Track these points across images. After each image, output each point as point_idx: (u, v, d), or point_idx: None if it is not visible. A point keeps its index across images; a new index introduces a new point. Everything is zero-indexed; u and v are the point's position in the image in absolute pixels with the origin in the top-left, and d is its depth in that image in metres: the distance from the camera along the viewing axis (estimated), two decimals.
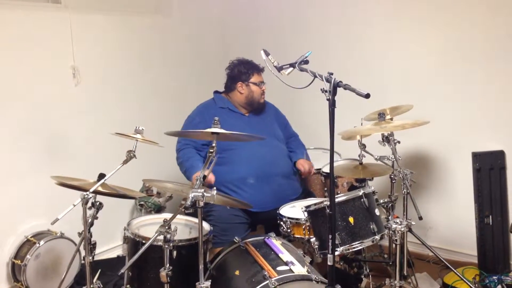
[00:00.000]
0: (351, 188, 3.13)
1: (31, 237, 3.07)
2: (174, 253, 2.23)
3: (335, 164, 2.03)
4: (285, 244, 2.48)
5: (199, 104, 3.22)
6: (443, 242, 3.52)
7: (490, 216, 3.18)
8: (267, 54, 2.27)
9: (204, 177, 2.15)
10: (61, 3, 3.31)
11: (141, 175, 3.25)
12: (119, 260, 3.48)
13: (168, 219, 2.20)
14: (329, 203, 2.08)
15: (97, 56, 3.48)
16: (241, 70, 3.12)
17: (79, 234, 2.38)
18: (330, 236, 2.00)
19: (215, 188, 2.19)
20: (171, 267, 2.19)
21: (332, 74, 1.97)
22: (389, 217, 2.74)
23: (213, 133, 2.20)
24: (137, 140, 2.42)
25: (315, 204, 2.49)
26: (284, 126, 3.37)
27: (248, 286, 2.15)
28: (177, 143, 3.11)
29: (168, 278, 2.17)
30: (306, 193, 3.18)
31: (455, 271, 2.90)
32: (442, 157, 3.52)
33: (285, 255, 2.29)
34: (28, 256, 2.94)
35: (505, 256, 3.21)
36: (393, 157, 2.76)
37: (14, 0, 3.14)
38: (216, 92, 3.26)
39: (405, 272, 2.72)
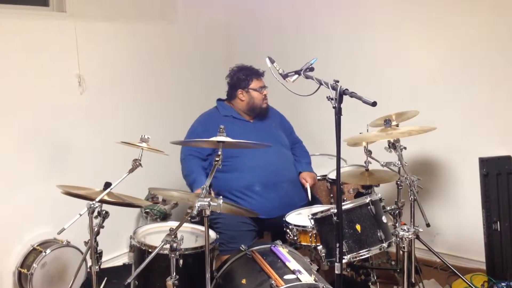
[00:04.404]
0: (358, 195, 3.12)
1: (37, 245, 3.06)
2: (181, 261, 2.22)
3: (341, 170, 2.01)
4: (292, 252, 2.46)
5: (202, 113, 3.21)
6: (451, 248, 3.51)
7: (498, 222, 3.15)
8: (272, 61, 2.27)
9: (210, 185, 2.15)
10: (66, 11, 3.31)
11: (147, 183, 3.27)
12: (125, 268, 3.47)
13: (174, 227, 2.19)
14: (336, 210, 2.06)
15: (102, 64, 3.49)
16: (240, 77, 3.11)
17: (85, 243, 2.38)
18: (337, 245, 1.98)
19: (221, 197, 2.19)
20: (177, 276, 2.18)
21: (338, 81, 1.96)
22: (396, 224, 2.72)
23: (219, 141, 2.19)
24: (142, 149, 2.42)
25: (321, 212, 2.48)
26: (290, 132, 3.36)
27: None
28: (181, 153, 3.10)
29: (175, 287, 2.16)
30: (312, 199, 3.17)
31: (463, 277, 2.88)
32: (449, 162, 3.50)
33: (292, 264, 2.27)
34: (34, 265, 2.93)
35: None
36: (399, 163, 2.76)
37: (19, 9, 3.15)
38: (219, 100, 3.25)
39: (412, 279, 2.70)
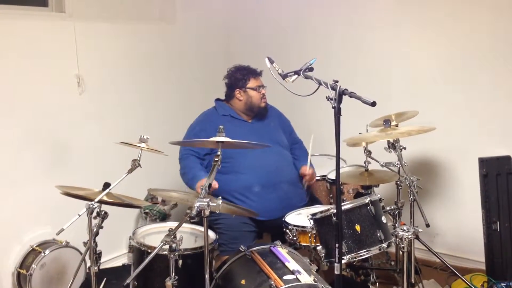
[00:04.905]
0: (357, 195, 3.11)
1: (36, 246, 3.06)
2: (180, 262, 2.21)
3: (340, 170, 2.01)
4: (291, 252, 2.46)
5: (201, 113, 3.21)
6: (450, 248, 3.50)
7: (498, 222, 3.15)
8: (271, 61, 2.27)
9: (209, 185, 2.15)
10: (65, 12, 3.31)
11: (146, 184, 3.26)
12: (124, 269, 3.46)
13: (173, 228, 2.19)
14: (335, 211, 2.06)
15: (101, 65, 3.48)
16: (237, 77, 3.11)
17: (85, 243, 2.37)
18: (336, 245, 1.98)
19: (220, 197, 2.18)
20: (176, 277, 2.18)
21: (337, 81, 1.96)
22: (396, 225, 2.72)
23: (218, 141, 2.19)
24: (142, 149, 2.42)
25: (321, 212, 2.47)
26: (289, 132, 3.36)
27: None
28: (179, 153, 3.10)
29: None
30: (312, 200, 3.17)
31: (462, 278, 2.88)
32: (449, 163, 3.50)
33: (292, 264, 2.27)
34: (33, 265, 2.92)
35: None
36: (399, 164, 2.75)
37: (18, 10, 3.15)
38: (217, 99, 3.25)
39: (412, 280, 2.70)
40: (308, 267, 2.32)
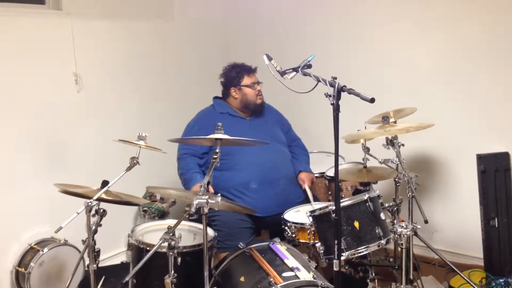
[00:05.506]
0: (356, 192, 3.12)
1: (34, 244, 3.05)
2: (179, 260, 2.21)
3: (339, 167, 2.01)
4: (290, 249, 2.46)
5: (199, 111, 3.21)
6: (449, 245, 3.51)
7: (496, 218, 3.16)
8: (269, 58, 2.26)
9: (208, 183, 2.14)
10: (63, 9, 3.30)
11: (144, 181, 3.25)
12: (123, 267, 3.47)
13: (172, 226, 2.19)
14: (334, 207, 2.06)
15: (98, 62, 3.47)
16: (232, 75, 3.12)
17: (83, 241, 2.37)
18: (335, 242, 1.98)
19: (219, 194, 2.18)
20: (175, 274, 2.18)
21: (335, 78, 1.95)
22: (395, 221, 2.72)
23: (216, 139, 2.19)
24: (140, 147, 2.42)
25: (320, 209, 2.47)
26: (287, 130, 3.36)
27: None
28: (177, 152, 3.10)
29: (173, 285, 2.16)
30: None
31: (461, 274, 2.88)
32: (447, 159, 3.50)
33: (291, 261, 2.28)
34: (32, 263, 2.92)
35: (511, 258, 3.18)
36: (397, 160, 2.75)
37: (15, 7, 3.14)
38: (215, 97, 3.25)
39: (411, 276, 2.70)
40: (307, 264, 2.32)
